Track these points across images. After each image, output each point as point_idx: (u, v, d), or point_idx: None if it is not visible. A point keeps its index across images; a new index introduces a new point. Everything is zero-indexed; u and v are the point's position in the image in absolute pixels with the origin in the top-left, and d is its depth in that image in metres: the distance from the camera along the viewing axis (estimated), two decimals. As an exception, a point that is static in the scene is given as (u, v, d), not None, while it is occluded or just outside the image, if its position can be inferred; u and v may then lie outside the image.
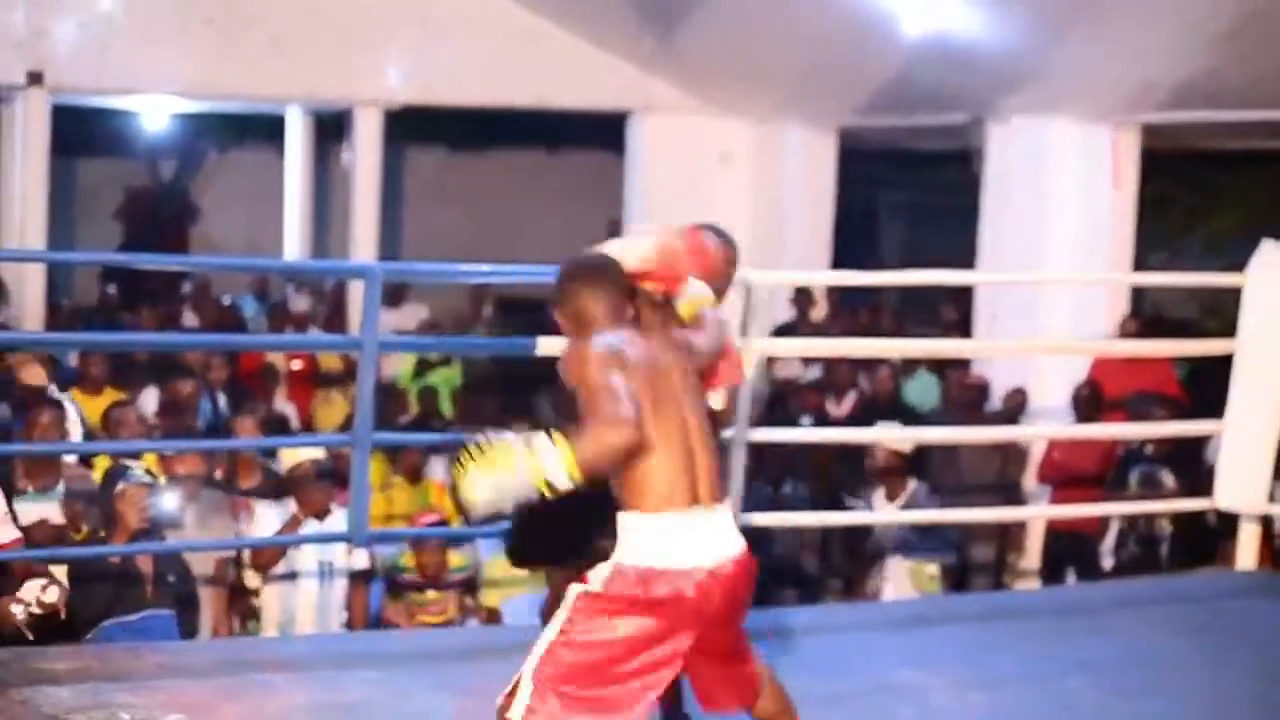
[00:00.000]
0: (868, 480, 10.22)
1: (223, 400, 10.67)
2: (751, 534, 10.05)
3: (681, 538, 4.29)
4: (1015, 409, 11.77)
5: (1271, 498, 8.04)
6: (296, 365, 12.60)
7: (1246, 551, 7.96)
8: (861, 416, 11.51)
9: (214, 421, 10.12)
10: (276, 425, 10.59)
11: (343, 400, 12.23)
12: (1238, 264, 7.87)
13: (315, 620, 7.58)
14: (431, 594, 8.33)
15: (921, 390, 12.58)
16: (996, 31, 11.86)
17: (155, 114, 17.08)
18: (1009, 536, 11.50)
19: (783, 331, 13.90)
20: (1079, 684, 6.05)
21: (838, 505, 10.56)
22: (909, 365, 12.75)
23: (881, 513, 9.71)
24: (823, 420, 11.78)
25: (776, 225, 15.20)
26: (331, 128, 16.49)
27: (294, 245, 16.41)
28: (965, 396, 11.96)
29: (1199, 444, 9.66)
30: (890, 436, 9.38)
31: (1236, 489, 7.71)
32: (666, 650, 4.28)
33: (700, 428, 4.38)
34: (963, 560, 11.18)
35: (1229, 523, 8.11)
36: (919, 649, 6.49)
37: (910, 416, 11.48)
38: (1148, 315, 13.87)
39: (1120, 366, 11.04)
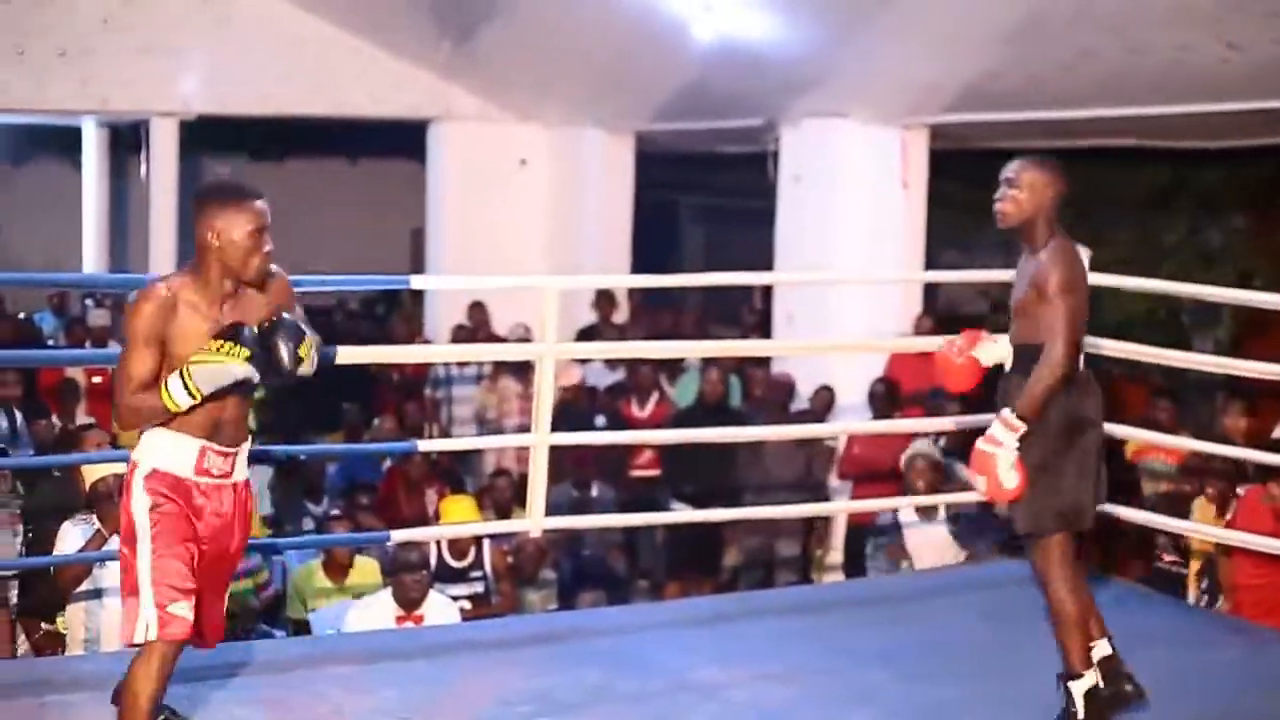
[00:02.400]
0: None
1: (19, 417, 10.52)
2: (562, 536, 10.16)
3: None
4: (823, 407, 11.94)
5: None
6: (97, 380, 12.45)
7: (1039, 538, 8.14)
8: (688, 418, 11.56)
9: (11, 439, 9.96)
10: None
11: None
12: (1026, 260, 8.05)
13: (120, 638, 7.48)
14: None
15: (684, 389, 12.75)
16: (786, 37, 12.02)
17: (-54, 128, 16.79)
18: (813, 532, 11.70)
19: (584, 335, 14.01)
20: (880, 674, 6.13)
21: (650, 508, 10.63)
22: (675, 364, 12.93)
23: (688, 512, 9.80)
24: (622, 423, 11.86)
25: (576, 230, 15.30)
26: (129, 139, 16.32)
27: (92, 258, 16.20)
28: (771, 395, 12.12)
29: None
30: (690, 437, 9.37)
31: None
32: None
33: None
34: (768, 556, 11.37)
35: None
36: (722, 645, 6.55)
37: (734, 417, 11.57)
38: (940, 312, 14.11)
39: (915, 362, 11.23)
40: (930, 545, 9.48)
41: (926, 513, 9.50)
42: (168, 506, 4.86)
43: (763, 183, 13.56)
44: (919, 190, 12.93)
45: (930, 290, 14.00)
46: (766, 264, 13.03)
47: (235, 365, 4.74)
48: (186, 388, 4.71)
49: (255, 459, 10.71)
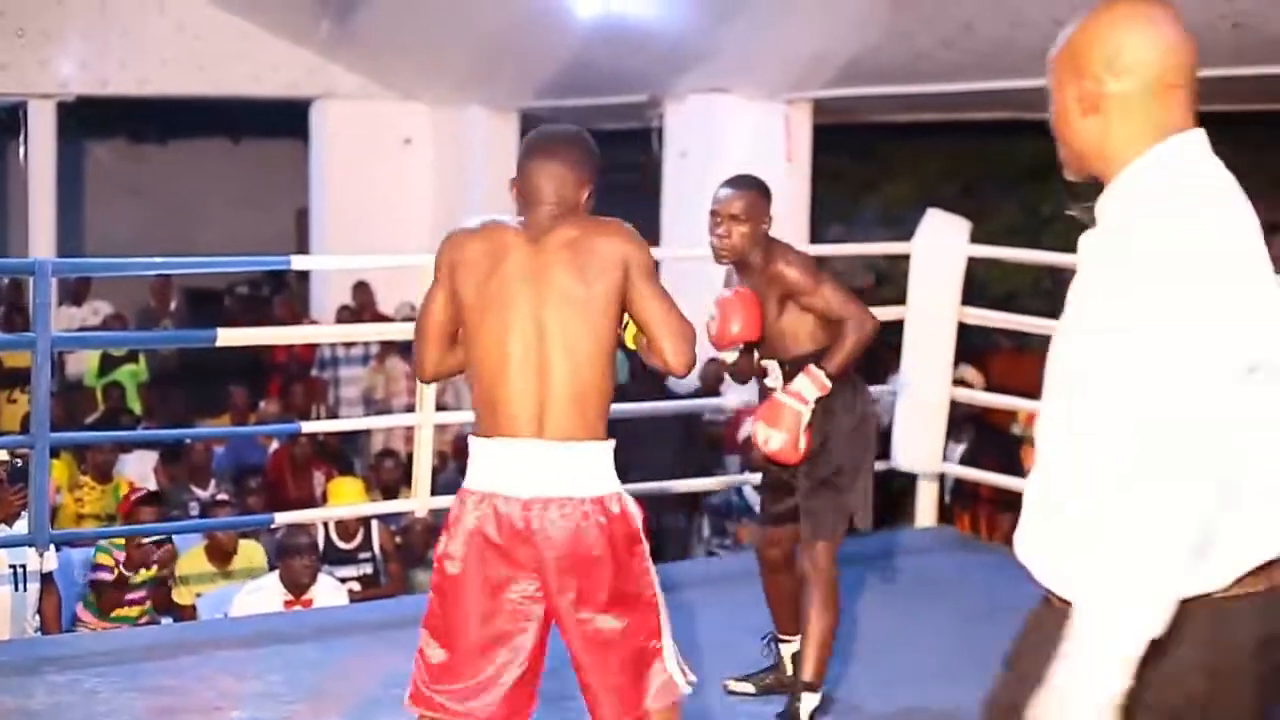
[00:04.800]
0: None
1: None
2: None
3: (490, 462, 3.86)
4: (715, 380, 11.92)
5: (944, 457, 8.36)
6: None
7: (925, 509, 8.22)
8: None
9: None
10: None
11: (27, 400, 11.94)
12: (910, 233, 8.11)
13: (10, 627, 7.41)
14: (142, 573, 8.25)
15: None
16: (669, 12, 12.04)
17: None
18: (698, 507, 11.71)
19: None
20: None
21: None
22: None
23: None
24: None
25: (461, 208, 15.19)
26: (6, 122, 16.08)
27: (-29, 244, 16.00)
28: (649, 372, 12.10)
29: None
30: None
31: (913, 450, 7.92)
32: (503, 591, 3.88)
33: (557, 342, 3.86)
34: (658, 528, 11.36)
35: (905, 482, 8.37)
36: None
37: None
38: (827, 285, 14.17)
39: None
40: None
41: None
42: None
43: (648, 158, 13.56)
44: (803, 165, 12.99)
45: (816, 263, 14.03)
46: (653, 240, 13.02)
47: None
48: None
49: (140, 443, 10.67)
